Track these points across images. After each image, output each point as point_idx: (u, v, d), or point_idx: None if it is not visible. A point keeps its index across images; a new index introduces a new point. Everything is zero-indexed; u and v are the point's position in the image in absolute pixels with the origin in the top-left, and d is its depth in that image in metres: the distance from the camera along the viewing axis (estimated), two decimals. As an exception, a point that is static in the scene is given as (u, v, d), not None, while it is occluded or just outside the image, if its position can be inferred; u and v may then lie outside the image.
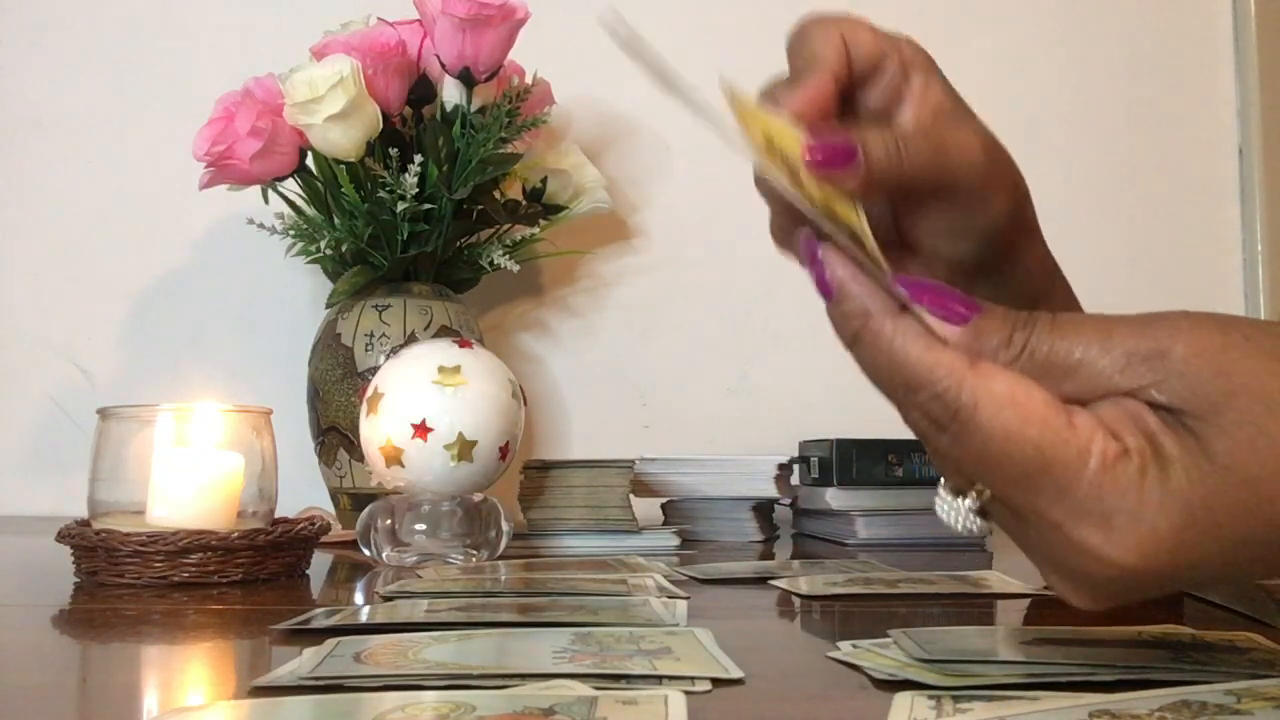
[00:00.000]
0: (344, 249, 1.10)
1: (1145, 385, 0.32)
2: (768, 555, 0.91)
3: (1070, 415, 0.32)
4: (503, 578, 0.68)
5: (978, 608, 0.60)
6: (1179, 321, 0.33)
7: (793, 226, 0.39)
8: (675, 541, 0.94)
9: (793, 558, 0.90)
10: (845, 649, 0.44)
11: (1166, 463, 0.31)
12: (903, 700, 0.35)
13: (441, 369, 0.78)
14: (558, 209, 1.19)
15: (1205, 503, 0.31)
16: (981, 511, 0.36)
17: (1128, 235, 1.40)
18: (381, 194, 1.06)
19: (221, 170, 1.07)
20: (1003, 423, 0.32)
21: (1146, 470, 0.31)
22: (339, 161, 1.06)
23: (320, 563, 0.80)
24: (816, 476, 1.04)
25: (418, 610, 0.52)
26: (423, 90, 1.11)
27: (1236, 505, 0.31)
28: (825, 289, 0.36)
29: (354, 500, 1.07)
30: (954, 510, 0.36)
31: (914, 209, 0.43)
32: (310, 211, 1.13)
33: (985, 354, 0.34)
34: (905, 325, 0.34)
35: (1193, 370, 0.32)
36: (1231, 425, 0.31)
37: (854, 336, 0.35)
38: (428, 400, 0.77)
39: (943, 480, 0.37)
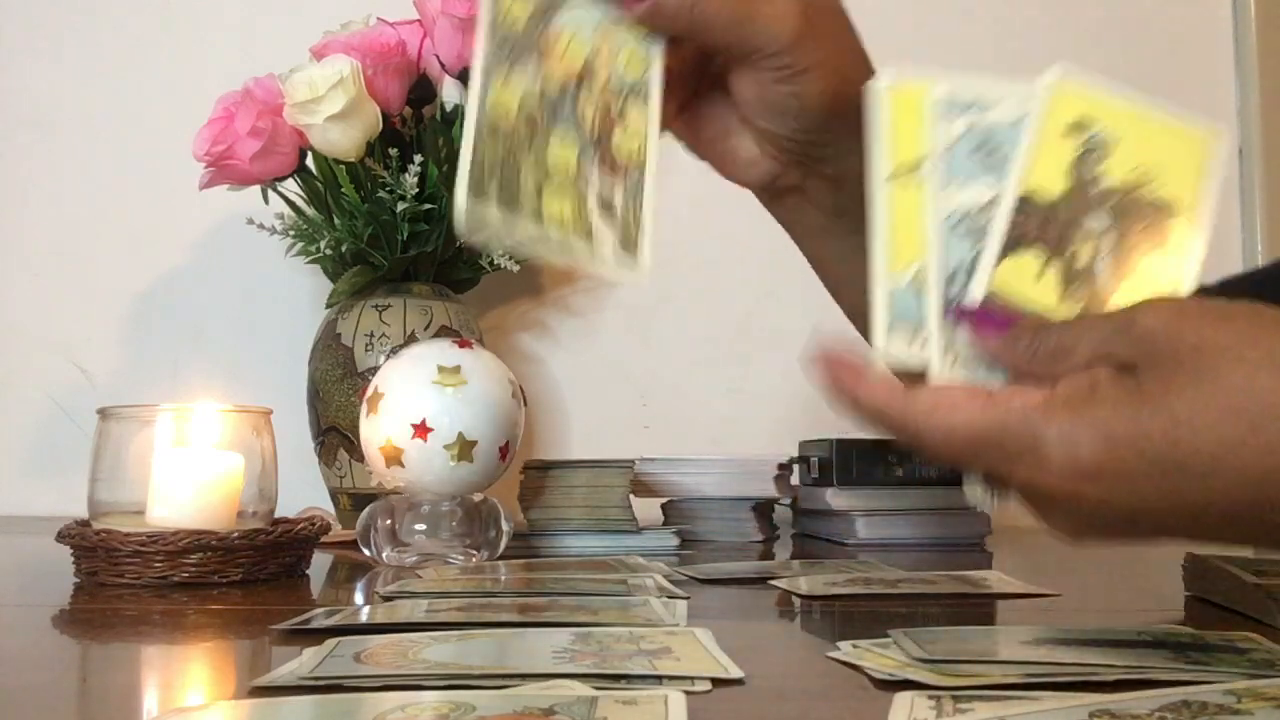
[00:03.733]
0: (344, 249, 1.10)
1: (1116, 352, 0.38)
2: (768, 555, 0.91)
3: (987, 393, 0.39)
4: (503, 578, 0.68)
5: (978, 608, 0.60)
6: (1153, 300, 0.39)
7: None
8: (675, 541, 0.94)
9: (793, 558, 0.90)
10: (845, 649, 0.44)
11: (1098, 401, 0.37)
12: (903, 700, 0.35)
13: (441, 369, 0.78)
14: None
15: (1130, 430, 0.36)
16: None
17: (1128, 235, 1.40)
18: (381, 194, 1.06)
19: (221, 170, 1.07)
20: (936, 422, 0.39)
21: (1077, 408, 0.37)
22: (339, 161, 1.06)
23: (320, 563, 0.80)
24: (816, 476, 1.04)
25: (418, 610, 0.52)
26: (423, 90, 1.10)
27: (1162, 437, 0.36)
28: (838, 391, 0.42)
29: (354, 500, 1.07)
30: (977, 496, 0.42)
31: (730, 68, 0.48)
32: (310, 211, 1.13)
33: (1017, 353, 0.40)
34: (925, 398, 0.40)
35: (1148, 333, 0.37)
36: (1168, 373, 0.36)
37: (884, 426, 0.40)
38: (428, 400, 0.77)
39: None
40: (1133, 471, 0.36)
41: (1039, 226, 0.42)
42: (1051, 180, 0.42)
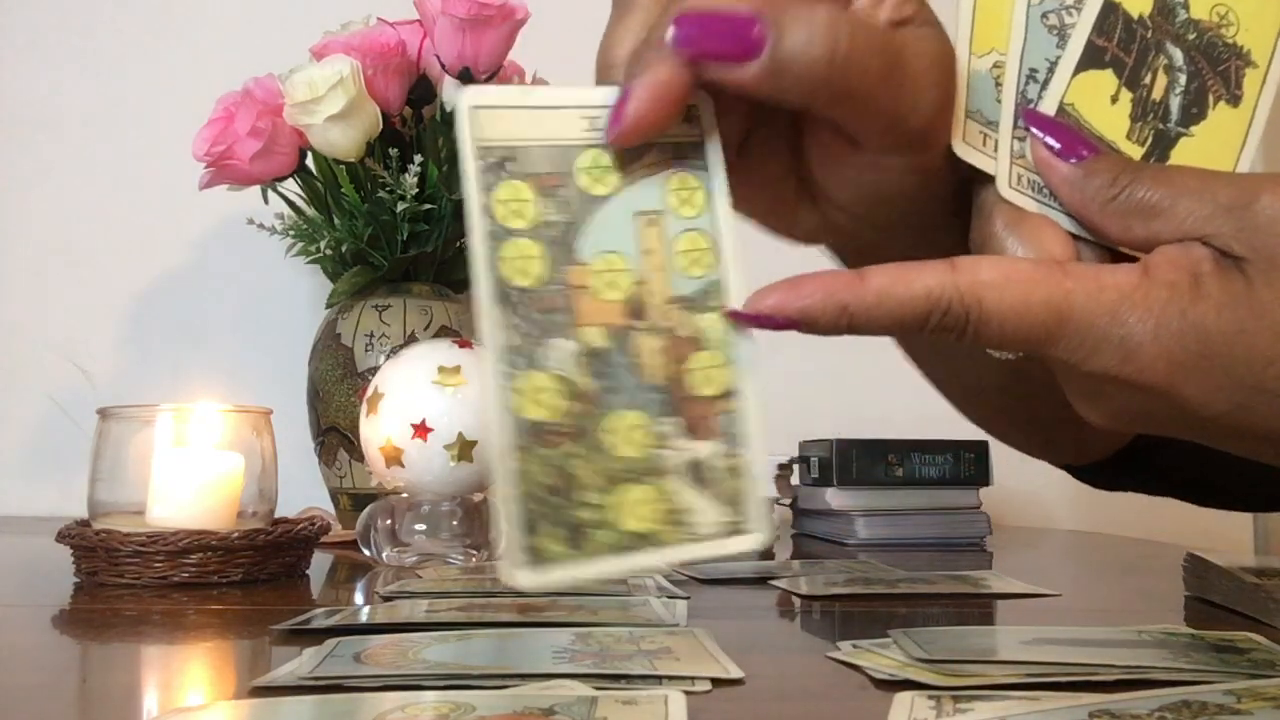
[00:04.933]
0: (344, 249, 1.10)
1: (1222, 233, 0.33)
2: (768, 555, 0.91)
3: (1062, 266, 0.33)
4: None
5: (978, 608, 0.60)
6: (1279, 180, 0.33)
7: None
8: (675, 541, 0.93)
9: (793, 558, 0.90)
10: (845, 649, 0.43)
11: (1199, 298, 0.32)
12: (903, 700, 0.35)
13: (441, 369, 0.78)
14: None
15: (1227, 339, 0.32)
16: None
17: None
18: (381, 194, 1.06)
19: (221, 170, 1.07)
20: (1010, 300, 0.32)
21: (1173, 301, 0.32)
22: (339, 161, 1.06)
23: (320, 563, 0.80)
24: (816, 476, 1.04)
25: (418, 610, 0.52)
26: (423, 90, 1.10)
27: (1259, 351, 0.32)
28: (793, 326, 0.34)
29: (354, 500, 1.07)
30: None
31: (811, 133, 0.38)
32: (310, 211, 1.13)
33: (1088, 192, 0.35)
34: (874, 283, 0.33)
35: (1266, 222, 0.32)
36: None
37: (848, 328, 0.33)
38: (428, 400, 0.77)
39: None
40: (1218, 385, 0.33)
41: (1120, 44, 0.37)
42: None
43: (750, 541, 0.34)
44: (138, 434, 0.73)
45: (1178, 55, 0.38)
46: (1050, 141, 0.36)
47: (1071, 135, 0.36)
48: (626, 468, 0.32)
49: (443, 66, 1.08)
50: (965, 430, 1.00)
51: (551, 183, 0.33)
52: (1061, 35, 0.37)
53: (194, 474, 0.71)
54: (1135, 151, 0.37)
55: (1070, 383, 0.36)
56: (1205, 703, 0.33)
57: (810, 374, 1.29)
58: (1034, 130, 0.36)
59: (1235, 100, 0.38)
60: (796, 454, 1.09)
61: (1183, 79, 0.38)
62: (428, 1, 1.05)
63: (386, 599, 0.59)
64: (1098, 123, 0.37)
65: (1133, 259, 0.35)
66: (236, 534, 0.68)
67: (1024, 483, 1.30)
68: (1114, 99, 0.37)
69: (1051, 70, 0.37)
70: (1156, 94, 0.37)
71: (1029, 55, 0.37)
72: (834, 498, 1.00)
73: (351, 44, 1.04)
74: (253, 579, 0.68)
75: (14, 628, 0.55)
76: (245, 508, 0.74)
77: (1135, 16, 0.37)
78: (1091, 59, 0.37)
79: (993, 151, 0.37)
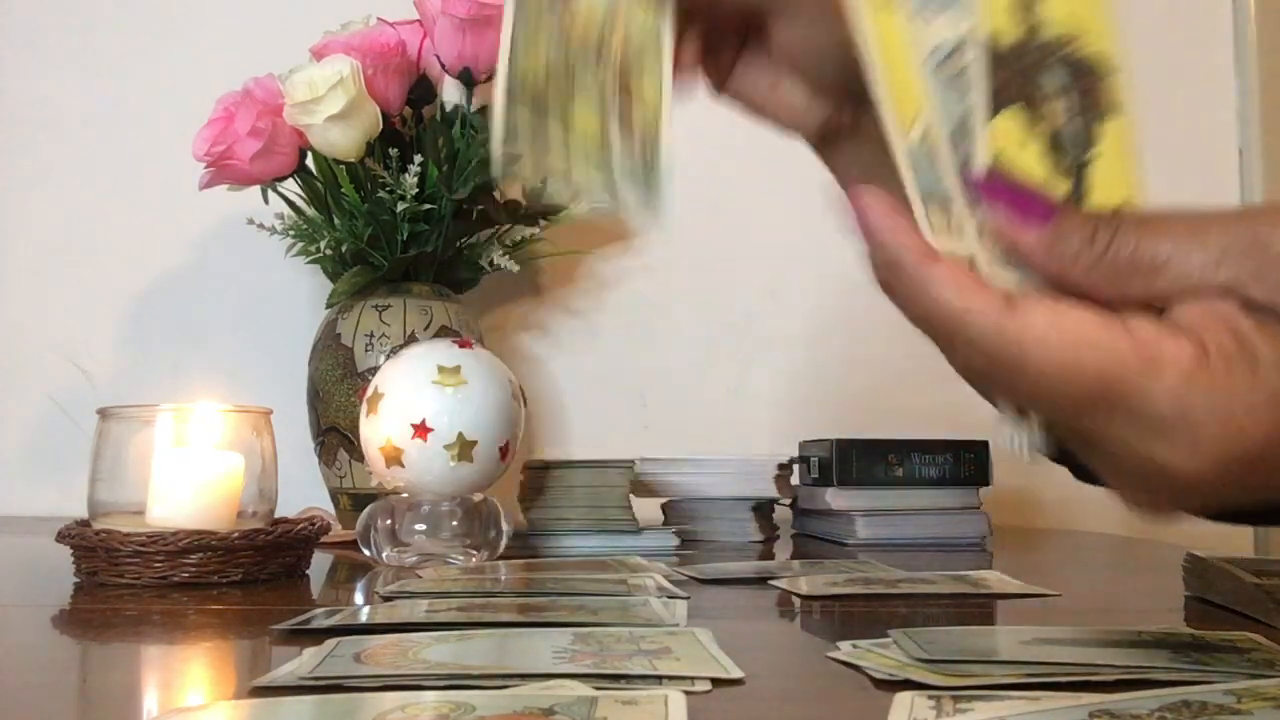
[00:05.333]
0: (344, 249, 1.10)
1: (1242, 279, 0.30)
2: (768, 555, 0.91)
3: (1127, 326, 0.30)
4: (503, 578, 0.68)
5: (978, 608, 0.60)
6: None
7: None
8: (675, 541, 0.94)
9: (793, 558, 0.90)
10: (845, 649, 0.44)
11: (1256, 363, 0.29)
12: (903, 700, 0.35)
13: (441, 369, 0.78)
14: (557, 209, 1.19)
15: None
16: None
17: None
18: (381, 194, 1.06)
19: (221, 170, 1.07)
20: (1054, 357, 0.29)
21: (1233, 372, 0.29)
22: (339, 161, 1.06)
23: (320, 563, 0.80)
24: (816, 476, 1.04)
25: (418, 610, 0.52)
26: (423, 90, 1.11)
27: None
28: (861, 232, 0.33)
29: (354, 500, 1.07)
30: (1017, 438, 0.34)
31: (769, 17, 0.40)
32: (310, 211, 1.13)
33: (1067, 256, 0.32)
34: (937, 272, 0.31)
35: None
36: None
37: (885, 285, 0.32)
38: (428, 400, 0.77)
39: (999, 408, 0.34)
40: None
41: (1012, 78, 0.35)
42: (1003, 19, 0.35)
43: (649, 217, 0.46)
44: (138, 434, 0.73)
45: (1061, 75, 0.36)
46: (1004, 209, 0.33)
47: (1026, 196, 0.33)
48: (586, 105, 0.41)
49: (443, 66, 1.08)
50: (965, 430, 1.00)
51: None
52: (961, 84, 0.35)
53: (194, 474, 0.71)
54: (1062, 186, 0.35)
55: (1106, 460, 0.32)
56: (1205, 703, 0.33)
57: (810, 374, 1.30)
58: (986, 200, 0.33)
59: (1116, 108, 0.36)
60: (796, 454, 1.09)
61: (1075, 97, 0.35)
62: (428, 1, 1.06)
63: (386, 599, 0.59)
64: (1023, 166, 0.34)
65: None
66: (236, 534, 0.68)
67: (1024, 483, 1.31)
68: (1027, 137, 0.35)
69: (969, 123, 0.34)
70: (1058, 121, 0.35)
71: (947, 115, 0.34)
72: (834, 498, 1.00)
73: (351, 44, 1.04)
74: (253, 579, 0.68)
75: (14, 628, 0.55)
76: (245, 508, 0.74)
77: (1009, 46, 0.35)
78: (996, 101, 0.34)
79: (960, 234, 0.34)
